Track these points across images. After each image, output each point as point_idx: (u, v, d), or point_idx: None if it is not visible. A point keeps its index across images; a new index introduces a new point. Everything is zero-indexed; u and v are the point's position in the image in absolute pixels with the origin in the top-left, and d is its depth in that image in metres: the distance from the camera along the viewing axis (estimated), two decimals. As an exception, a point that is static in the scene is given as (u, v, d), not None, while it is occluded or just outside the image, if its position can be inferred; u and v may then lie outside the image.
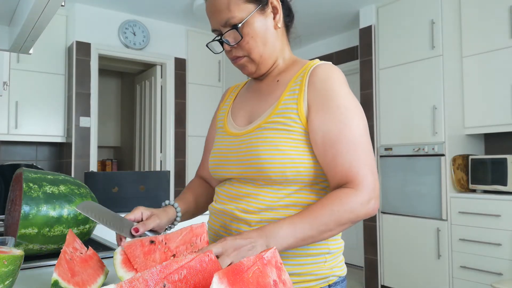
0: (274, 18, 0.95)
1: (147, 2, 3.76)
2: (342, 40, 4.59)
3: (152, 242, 0.76)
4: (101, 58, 4.08)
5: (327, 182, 0.91)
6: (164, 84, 4.33)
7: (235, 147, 0.96)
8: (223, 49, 0.96)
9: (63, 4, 0.86)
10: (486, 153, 3.45)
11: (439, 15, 3.22)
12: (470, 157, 3.20)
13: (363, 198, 0.82)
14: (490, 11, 3.12)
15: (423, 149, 3.28)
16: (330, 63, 0.94)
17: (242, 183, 0.94)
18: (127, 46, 3.99)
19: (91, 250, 0.81)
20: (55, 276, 0.67)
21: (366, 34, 3.81)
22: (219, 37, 0.95)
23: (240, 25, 0.90)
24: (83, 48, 3.78)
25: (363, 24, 3.85)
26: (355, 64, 4.34)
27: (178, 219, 1.00)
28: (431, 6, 3.28)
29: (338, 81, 0.89)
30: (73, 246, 0.77)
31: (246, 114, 1.00)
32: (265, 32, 0.93)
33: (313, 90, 0.89)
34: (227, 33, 0.92)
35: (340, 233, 0.94)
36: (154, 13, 4.02)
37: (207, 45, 1.00)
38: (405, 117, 3.44)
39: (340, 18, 4.12)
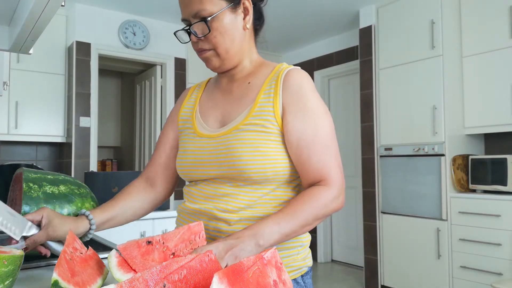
0: (244, 19, 0.97)
1: (147, 2, 3.76)
2: (342, 40, 4.58)
3: (149, 242, 0.75)
4: (101, 58, 4.08)
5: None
6: (164, 84, 4.33)
7: (209, 149, 0.96)
8: (190, 39, 0.97)
9: (63, 4, 0.86)
10: (486, 153, 3.45)
11: (439, 15, 3.22)
12: (470, 157, 3.20)
13: (333, 194, 0.90)
14: (490, 11, 3.12)
15: (423, 149, 3.28)
16: (299, 68, 0.98)
17: (218, 183, 0.95)
18: (127, 46, 3.99)
19: (91, 250, 0.81)
20: (55, 276, 0.67)
21: (366, 34, 3.81)
22: (187, 28, 0.96)
23: (209, 18, 0.91)
24: (83, 48, 3.78)
25: (363, 24, 3.85)
26: (355, 64, 4.34)
27: (91, 231, 0.97)
28: (431, 6, 3.28)
29: (310, 87, 0.95)
30: (73, 246, 0.77)
31: (218, 116, 1.01)
32: (234, 30, 0.95)
33: (287, 93, 0.94)
34: (196, 25, 0.93)
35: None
36: (154, 13, 4.02)
37: (174, 34, 1.00)
38: (405, 117, 3.44)
39: (340, 18, 4.12)
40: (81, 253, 0.78)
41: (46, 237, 0.87)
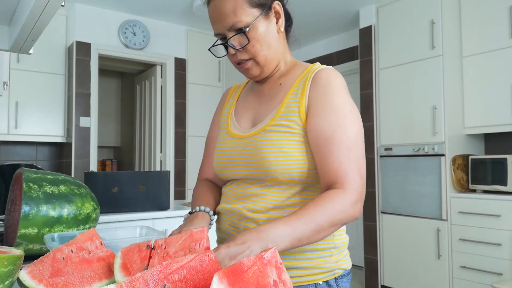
0: (277, 23, 0.98)
1: (147, 2, 3.76)
2: (342, 40, 4.58)
3: (148, 247, 0.75)
4: (101, 58, 4.08)
5: None
6: (164, 84, 4.33)
7: (240, 149, 0.98)
8: (227, 53, 0.97)
9: (63, 4, 0.86)
10: (486, 153, 3.45)
11: (439, 15, 3.22)
12: (470, 157, 3.20)
13: (351, 199, 0.84)
14: (490, 11, 3.12)
15: (423, 149, 3.28)
16: (332, 67, 0.97)
17: (248, 183, 0.96)
18: (127, 46, 3.99)
19: (109, 252, 0.76)
20: (20, 273, 0.65)
21: (366, 34, 3.81)
22: (223, 41, 0.96)
23: (247, 29, 0.91)
24: (83, 48, 3.78)
25: (363, 24, 3.85)
26: (355, 64, 4.34)
27: (210, 227, 0.97)
28: (431, 6, 3.28)
29: (338, 86, 0.92)
30: (79, 246, 0.76)
31: (250, 116, 1.03)
32: (269, 36, 0.96)
33: (314, 93, 0.92)
34: (233, 37, 0.93)
35: (345, 228, 0.99)
36: (154, 13, 4.02)
37: (209, 50, 1.01)
38: (405, 117, 3.44)
39: (340, 18, 4.12)
40: (91, 254, 0.76)
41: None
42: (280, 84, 1.00)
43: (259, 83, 1.06)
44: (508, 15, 3.01)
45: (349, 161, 0.86)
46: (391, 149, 3.53)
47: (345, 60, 4.53)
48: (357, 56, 4.26)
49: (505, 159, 2.95)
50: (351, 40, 4.44)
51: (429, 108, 3.26)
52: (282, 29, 0.98)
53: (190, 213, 0.99)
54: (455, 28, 3.29)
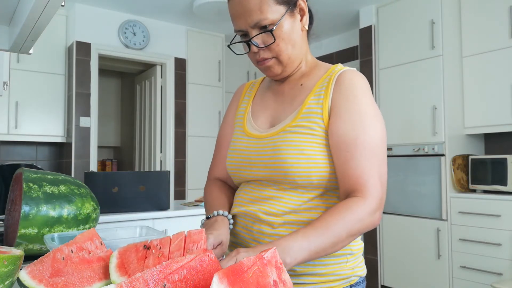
0: (301, 20, 0.94)
1: (147, 2, 3.76)
2: (342, 40, 4.59)
3: (145, 247, 0.74)
4: (101, 58, 4.08)
5: None
6: (164, 84, 4.33)
7: (257, 149, 0.94)
8: (249, 50, 0.93)
9: (63, 4, 0.86)
10: (486, 153, 3.45)
11: (439, 15, 3.22)
12: (470, 157, 3.20)
13: (370, 208, 0.81)
14: (490, 11, 3.12)
15: (423, 149, 3.28)
16: (355, 69, 0.93)
17: (264, 185, 0.93)
18: (127, 46, 3.99)
19: (109, 252, 0.77)
20: (20, 273, 0.66)
21: (366, 34, 3.81)
22: (244, 38, 0.92)
23: (274, 27, 0.88)
24: (83, 48, 3.78)
25: (363, 24, 3.85)
26: (355, 64, 4.34)
27: (230, 231, 0.94)
28: (431, 6, 3.28)
29: (362, 88, 0.89)
30: (79, 246, 0.76)
31: (269, 116, 0.99)
32: (294, 34, 0.92)
33: (337, 95, 0.89)
34: (257, 36, 0.89)
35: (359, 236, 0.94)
36: (154, 13, 4.02)
37: (229, 46, 0.97)
38: (405, 117, 3.44)
39: (340, 18, 4.12)
40: (91, 254, 0.76)
41: (222, 253, 0.84)
42: (301, 84, 0.97)
43: (278, 82, 1.01)
44: (508, 15, 3.01)
45: (371, 167, 0.82)
46: (391, 149, 3.53)
47: (345, 60, 4.53)
48: (357, 56, 4.26)
49: (505, 159, 2.95)
50: (351, 40, 4.44)
51: (429, 108, 3.26)
52: (306, 26, 0.95)
53: (207, 217, 0.96)
54: (455, 28, 3.29)
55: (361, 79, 0.90)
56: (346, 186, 0.84)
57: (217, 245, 0.83)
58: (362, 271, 0.94)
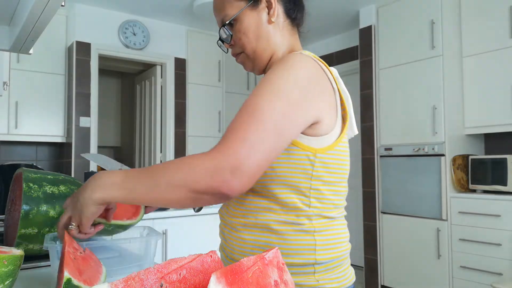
0: (268, 13, 0.92)
1: (147, 2, 3.76)
2: (342, 40, 4.58)
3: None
4: (101, 58, 4.08)
5: (305, 185, 0.82)
6: (164, 84, 4.33)
7: None
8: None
9: (63, 4, 0.86)
10: (486, 153, 3.45)
11: (439, 15, 3.22)
12: (470, 157, 3.20)
13: (211, 163, 0.68)
14: (490, 11, 3.12)
15: (423, 149, 3.28)
16: (302, 52, 0.86)
17: None
18: (127, 46, 3.99)
19: (88, 250, 0.82)
20: (67, 275, 0.66)
21: (366, 34, 3.81)
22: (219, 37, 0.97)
23: (231, 21, 0.91)
24: (83, 48, 3.78)
25: (363, 24, 3.85)
26: (355, 64, 4.34)
27: None
28: (431, 6, 3.28)
29: (287, 63, 0.80)
30: (73, 247, 0.77)
31: None
32: (258, 27, 0.91)
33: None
34: (221, 31, 0.93)
35: (333, 244, 0.83)
36: (154, 13, 4.02)
37: (217, 43, 1.01)
38: (405, 117, 3.44)
39: (340, 18, 4.12)
40: (81, 253, 0.78)
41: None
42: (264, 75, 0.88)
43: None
44: (508, 15, 3.01)
45: (240, 127, 0.71)
46: (391, 149, 3.53)
47: (345, 60, 4.53)
48: (357, 56, 4.26)
49: (505, 159, 2.95)
50: (351, 40, 4.44)
51: (429, 108, 3.26)
52: (274, 19, 0.91)
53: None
54: (455, 28, 3.29)
55: (292, 57, 0.81)
56: None
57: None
58: (332, 285, 0.82)
